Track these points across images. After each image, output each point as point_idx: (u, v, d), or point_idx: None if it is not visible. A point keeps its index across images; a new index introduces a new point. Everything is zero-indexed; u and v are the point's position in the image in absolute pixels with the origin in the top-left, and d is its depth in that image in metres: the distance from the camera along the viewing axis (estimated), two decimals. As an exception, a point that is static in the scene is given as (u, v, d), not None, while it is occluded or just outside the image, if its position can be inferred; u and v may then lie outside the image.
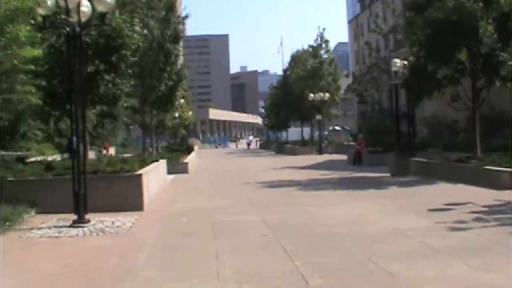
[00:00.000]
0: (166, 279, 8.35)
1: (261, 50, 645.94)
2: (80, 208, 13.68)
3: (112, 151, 60.31)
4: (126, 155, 39.05)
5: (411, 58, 27.22)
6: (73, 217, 13.75)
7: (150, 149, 42.52)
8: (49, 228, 13.41)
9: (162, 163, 24.54)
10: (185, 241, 11.47)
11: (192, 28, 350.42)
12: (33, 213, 15.38)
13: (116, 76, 21.91)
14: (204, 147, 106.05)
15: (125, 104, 29.78)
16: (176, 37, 34.60)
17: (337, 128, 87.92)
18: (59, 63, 21.15)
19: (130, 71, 22.73)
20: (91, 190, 15.41)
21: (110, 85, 22.02)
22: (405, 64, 28.79)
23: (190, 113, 66.73)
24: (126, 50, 21.08)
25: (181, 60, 39.01)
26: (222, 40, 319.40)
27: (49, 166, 17.51)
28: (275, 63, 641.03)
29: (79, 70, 13.97)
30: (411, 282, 7.92)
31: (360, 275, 8.26)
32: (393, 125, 47.58)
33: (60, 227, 13.51)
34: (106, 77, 21.93)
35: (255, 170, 34.51)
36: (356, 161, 35.61)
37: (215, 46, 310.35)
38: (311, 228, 12.53)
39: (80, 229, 13.16)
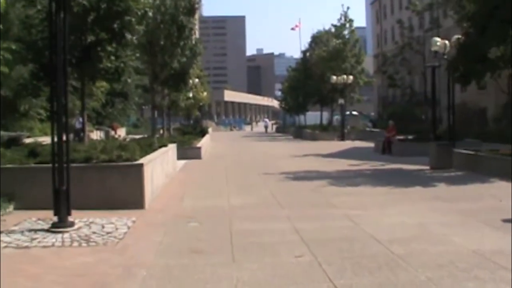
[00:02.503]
0: None
1: (278, 33, 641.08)
2: (61, 208, 10.69)
3: (122, 132, 57.63)
4: (136, 136, 36.24)
5: (456, 37, 23.99)
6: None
7: (162, 131, 39.76)
8: (22, 232, 10.45)
9: (171, 149, 21.48)
10: (194, 262, 8.43)
11: (208, 9, 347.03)
12: (10, 208, 12.51)
13: (119, 47, 18.90)
14: (218, 129, 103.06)
15: (129, 80, 26.49)
16: (191, 9, 31.36)
17: (354, 113, 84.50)
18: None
19: (136, 41, 19.71)
20: (81, 183, 12.76)
21: (112, 58, 19.03)
22: (445, 44, 25.63)
23: (205, 93, 63.58)
24: (130, 16, 18.04)
25: (196, 35, 35.88)
26: (239, 22, 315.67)
27: (33, 151, 14.44)
28: (291, 47, 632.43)
29: (63, 33, 10.86)
30: None
31: None
32: (423, 111, 44.50)
33: (36, 231, 10.55)
34: (108, 48, 18.95)
35: (275, 157, 31.43)
36: (386, 149, 32.49)
37: (231, 28, 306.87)
38: (360, 244, 9.44)
39: (59, 235, 10.20)
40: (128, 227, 10.94)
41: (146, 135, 36.99)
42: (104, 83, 34.65)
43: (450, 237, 9.95)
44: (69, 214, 10.78)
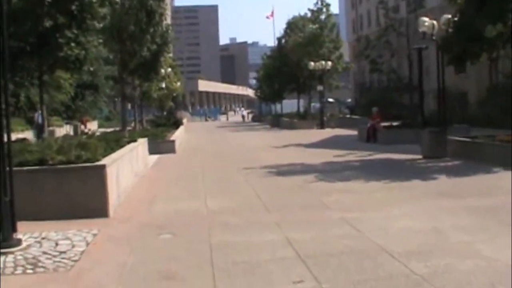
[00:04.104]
0: None
1: (251, 21, 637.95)
2: (3, 223, 8.81)
3: (93, 125, 55.63)
4: (108, 130, 34.31)
5: (446, 16, 22.33)
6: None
7: (133, 124, 37.84)
8: (-42, 256, 8.56)
9: (142, 144, 19.56)
10: (165, 294, 6.65)
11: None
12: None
13: (79, 32, 16.94)
14: (193, 120, 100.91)
15: (91, 69, 24.52)
16: (160, -8, 29.41)
17: (330, 100, 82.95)
18: (11, 17, 16.23)
19: (98, 26, 17.75)
20: (34, 189, 11.04)
21: (72, 44, 17.08)
22: (433, 24, 24.05)
23: (179, 84, 61.49)
24: (90, -3, 16.11)
25: (167, 21, 33.86)
26: (212, 11, 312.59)
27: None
28: (265, 35, 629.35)
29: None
30: None
31: None
32: (403, 96, 42.95)
33: (-25, 253, 8.67)
34: (68, 33, 16.99)
35: (255, 148, 29.56)
36: (371, 138, 30.79)
37: (204, 17, 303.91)
38: (370, 261, 7.65)
39: (1, 258, 8.31)
40: (87, 243, 9.10)
41: (118, 128, 35.13)
42: (73, 74, 32.75)
43: (475, 247, 8.25)
44: (14, 230, 8.93)
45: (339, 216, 10.73)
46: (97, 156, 11.97)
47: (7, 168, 8.96)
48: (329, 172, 17.96)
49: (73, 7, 16.15)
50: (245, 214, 11.42)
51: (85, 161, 11.58)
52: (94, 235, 9.64)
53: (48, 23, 16.92)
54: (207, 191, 14.87)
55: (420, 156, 21.50)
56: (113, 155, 13.22)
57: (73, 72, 22.79)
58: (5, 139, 9.09)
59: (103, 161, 11.82)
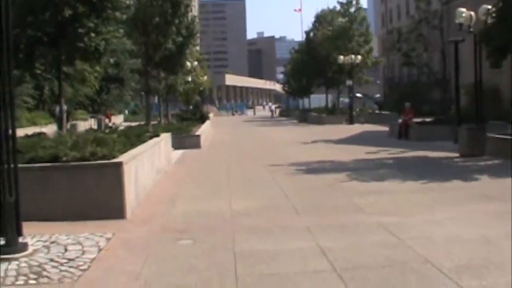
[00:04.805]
0: None
1: (278, 16, 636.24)
2: (7, 226, 8.00)
3: (118, 119, 55.10)
4: (133, 124, 33.70)
5: (485, 6, 21.20)
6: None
7: (159, 118, 37.21)
8: (-42, 261, 7.77)
9: (165, 139, 18.71)
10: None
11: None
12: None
13: (99, 21, 16.13)
14: (220, 114, 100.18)
15: (111, 60, 23.76)
16: (186, -18, 28.59)
17: (358, 95, 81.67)
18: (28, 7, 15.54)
19: (120, 16, 16.92)
20: (46, 187, 10.30)
21: (92, 35, 16.27)
22: (471, 15, 22.97)
23: (205, 78, 60.67)
24: (110, -16, 15.29)
25: (192, 12, 33.00)
26: (239, 5, 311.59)
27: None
28: (292, 30, 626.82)
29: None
30: None
31: None
32: (434, 91, 41.78)
33: (-24, 259, 7.87)
34: (88, 23, 16.19)
35: (282, 144, 28.66)
36: (402, 134, 29.71)
37: (231, 11, 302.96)
38: (416, 276, 6.71)
39: (4, 265, 7.51)
40: (99, 249, 8.27)
41: (143, 122, 34.54)
42: (97, 67, 32.17)
43: (534, 260, 7.26)
44: (19, 234, 8.13)
45: (375, 220, 9.77)
46: (114, 153, 11.11)
47: (12, 165, 8.13)
48: (361, 170, 17.02)
49: (93, -5, 15.38)
50: (273, 216, 10.51)
51: (100, 158, 10.74)
52: (108, 239, 8.82)
53: (67, 13, 16.09)
54: (231, 190, 14.00)
55: (456, 154, 20.50)
56: (132, 151, 12.40)
57: (92, 63, 21.97)
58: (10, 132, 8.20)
59: (120, 158, 10.97)
